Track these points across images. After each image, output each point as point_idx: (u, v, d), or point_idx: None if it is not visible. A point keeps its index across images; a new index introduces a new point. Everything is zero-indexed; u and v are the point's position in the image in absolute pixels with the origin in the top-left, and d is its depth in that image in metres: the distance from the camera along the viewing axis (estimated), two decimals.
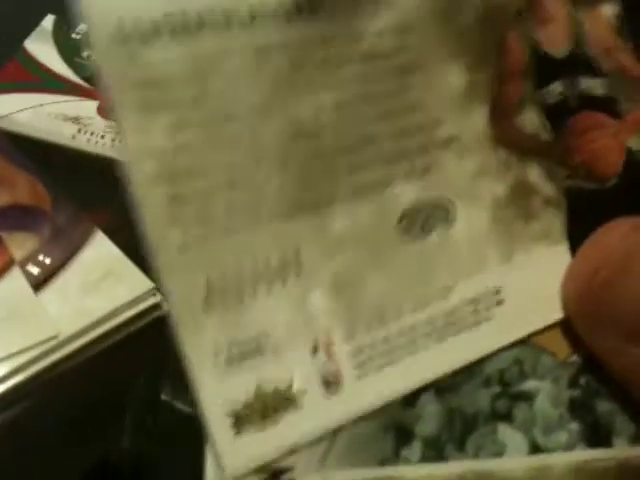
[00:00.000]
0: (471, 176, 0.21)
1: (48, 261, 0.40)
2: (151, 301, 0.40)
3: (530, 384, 0.21)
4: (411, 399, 0.21)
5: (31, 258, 0.40)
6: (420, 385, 0.20)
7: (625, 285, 0.19)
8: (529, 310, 0.22)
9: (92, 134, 0.54)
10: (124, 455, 0.39)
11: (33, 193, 0.43)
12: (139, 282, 0.40)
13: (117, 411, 0.39)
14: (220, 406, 0.19)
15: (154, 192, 0.19)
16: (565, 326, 0.22)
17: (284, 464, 0.20)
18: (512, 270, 0.22)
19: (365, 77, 0.20)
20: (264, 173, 0.19)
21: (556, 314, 0.22)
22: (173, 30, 0.18)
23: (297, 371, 0.20)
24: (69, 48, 0.58)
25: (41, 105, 0.54)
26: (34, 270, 0.40)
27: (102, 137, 0.54)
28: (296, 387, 0.19)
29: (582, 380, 0.21)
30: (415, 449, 0.20)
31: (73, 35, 0.59)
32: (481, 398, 0.21)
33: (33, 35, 0.58)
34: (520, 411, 0.21)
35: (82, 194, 0.46)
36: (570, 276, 0.21)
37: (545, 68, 0.22)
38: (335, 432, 0.20)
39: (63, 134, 0.54)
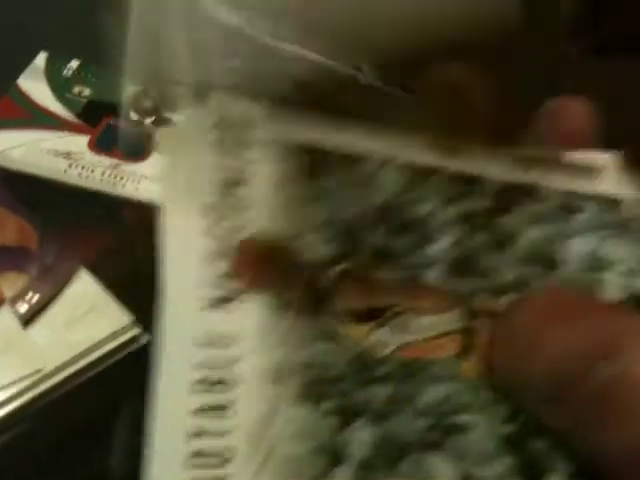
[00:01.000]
0: None
1: (36, 298, 0.44)
2: (131, 333, 0.43)
3: (465, 417, 0.21)
4: (345, 424, 0.21)
5: (20, 296, 0.43)
6: None
7: (534, 358, 0.20)
8: None
9: (83, 168, 0.58)
10: (110, 475, 0.43)
11: (21, 234, 0.46)
12: (119, 316, 0.44)
13: (100, 436, 0.42)
14: None
15: None
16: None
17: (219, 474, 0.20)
18: None
19: None
20: None
21: None
22: None
23: None
24: (60, 84, 0.61)
25: (34, 141, 0.57)
26: (23, 307, 0.43)
27: (92, 171, 0.57)
28: None
29: (521, 416, 0.22)
30: (346, 472, 0.20)
31: (64, 72, 0.62)
32: (415, 427, 0.21)
33: (26, 72, 0.61)
34: (453, 443, 0.21)
35: (70, 228, 0.49)
36: (494, 347, 0.22)
37: None
38: (269, 450, 0.20)
39: (55, 169, 0.57)
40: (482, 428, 0.21)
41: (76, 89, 0.61)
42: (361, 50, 0.23)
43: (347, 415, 0.21)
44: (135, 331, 0.43)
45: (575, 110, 0.26)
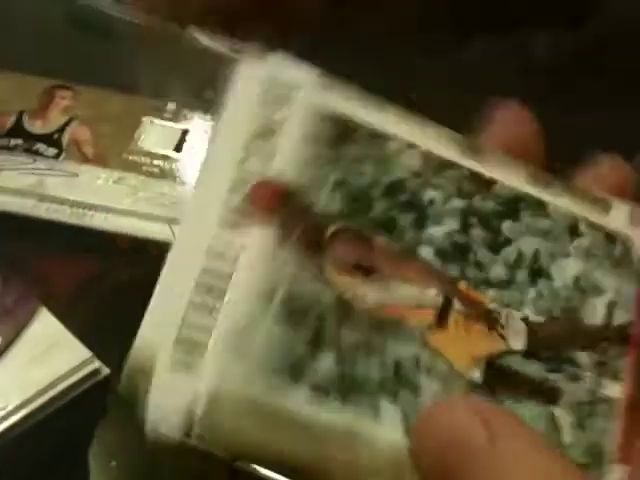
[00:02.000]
0: None
1: None
2: (91, 367, 0.45)
3: (423, 380, 0.23)
4: (313, 354, 0.23)
5: None
6: None
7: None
8: None
9: (51, 202, 0.60)
10: None
11: None
12: (79, 351, 0.46)
13: (64, 470, 0.44)
14: None
15: None
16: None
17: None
18: None
19: None
20: None
21: None
22: None
23: None
24: None
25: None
26: None
27: (61, 204, 0.59)
28: None
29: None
30: (303, 390, 0.22)
31: None
32: (376, 374, 0.23)
33: None
34: (406, 398, 0.23)
35: (32, 265, 0.52)
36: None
37: None
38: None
39: (23, 205, 0.59)
40: (435, 394, 0.23)
41: None
42: None
43: (317, 347, 0.23)
44: (95, 365, 0.45)
45: (516, 117, 0.27)
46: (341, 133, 0.25)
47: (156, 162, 0.61)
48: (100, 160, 0.61)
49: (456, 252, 0.25)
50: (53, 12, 0.76)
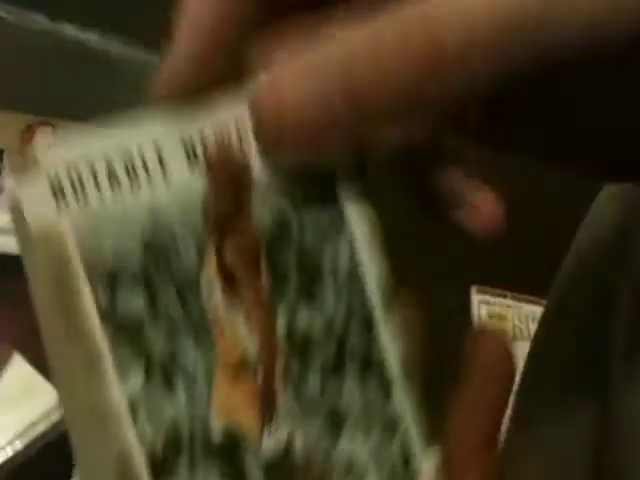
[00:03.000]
0: None
1: None
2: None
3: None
4: None
5: None
6: None
7: None
8: None
9: None
10: None
11: None
12: (51, 395, 0.47)
13: None
14: None
15: None
16: None
17: None
18: None
19: None
20: None
21: None
22: None
23: None
24: None
25: None
26: None
27: None
28: None
29: None
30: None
31: None
32: None
33: None
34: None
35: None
36: None
37: None
38: None
39: (9, 244, 0.60)
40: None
41: None
42: None
43: None
44: None
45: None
46: None
47: None
48: None
49: None
50: (38, 47, 0.77)
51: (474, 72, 0.21)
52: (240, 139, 0.24)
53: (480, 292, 0.67)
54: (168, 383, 0.23)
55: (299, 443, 0.25)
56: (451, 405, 0.25)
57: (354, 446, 0.26)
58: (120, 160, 0.23)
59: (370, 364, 0.26)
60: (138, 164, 0.24)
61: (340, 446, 0.25)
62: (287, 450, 0.25)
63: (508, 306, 0.67)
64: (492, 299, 0.67)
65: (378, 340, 0.26)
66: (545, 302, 0.46)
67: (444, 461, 0.25)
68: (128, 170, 0.23)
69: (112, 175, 0.23)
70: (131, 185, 0.23)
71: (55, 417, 0.46)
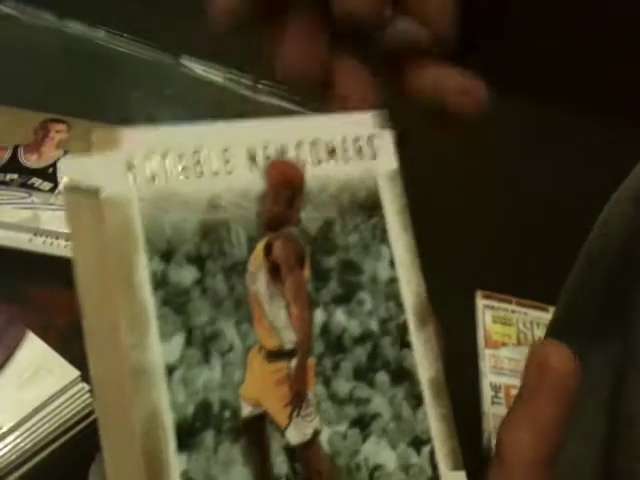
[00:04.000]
0: None
1: None
2: (79, 387, 0.47)
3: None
4: None
5: None
6: None
7: None
8: None
9: (47, 236, 0.62)
10: None
11: None
12: (67, 372, 0.47)
13: None
14: None
15: None
16: None
17: None
18: None
19: None
20: None
21: None
22: None
23: None
24: None
25: None
26: None
27: (57, 238, 0.62)
28: None
29: None
30: None
31: None
32: None
33: None
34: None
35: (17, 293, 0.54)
36: None
37: None
38: None
39: (19, 239, 0.61)
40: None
41: None
42: None
43: None
44: (83, 385, 0.47)
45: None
46: None
47: None
48: None
49: None
50: (47, 45, 0.78)
51: None
52: (297, 149, 0.27)
53: (485, 297, 0.67)
54: (205, 356, 0.25)
55: (325, 437, 0.26)
56: (512, 419, 0.26)
57: (380, 452, 0.27)
58: (190, 152, 0.26)
59: (401, 376, 0.27)
60: (205, 157, 0.26)
61: (366, 449, 0.26)
62: (312, 441, 0.26)
63: (513, 311, 0.67)
64: (497, 304, 0.67)
65: (410, 354, 0.27)
66: (550, 308, 0.46)
67: (501, 474, 0.25)
68: (196, 161, 0.26)
69: (181, 163, 0.25)
70: (196, 174, 0.25)
71: (71, 392, 0.47)
